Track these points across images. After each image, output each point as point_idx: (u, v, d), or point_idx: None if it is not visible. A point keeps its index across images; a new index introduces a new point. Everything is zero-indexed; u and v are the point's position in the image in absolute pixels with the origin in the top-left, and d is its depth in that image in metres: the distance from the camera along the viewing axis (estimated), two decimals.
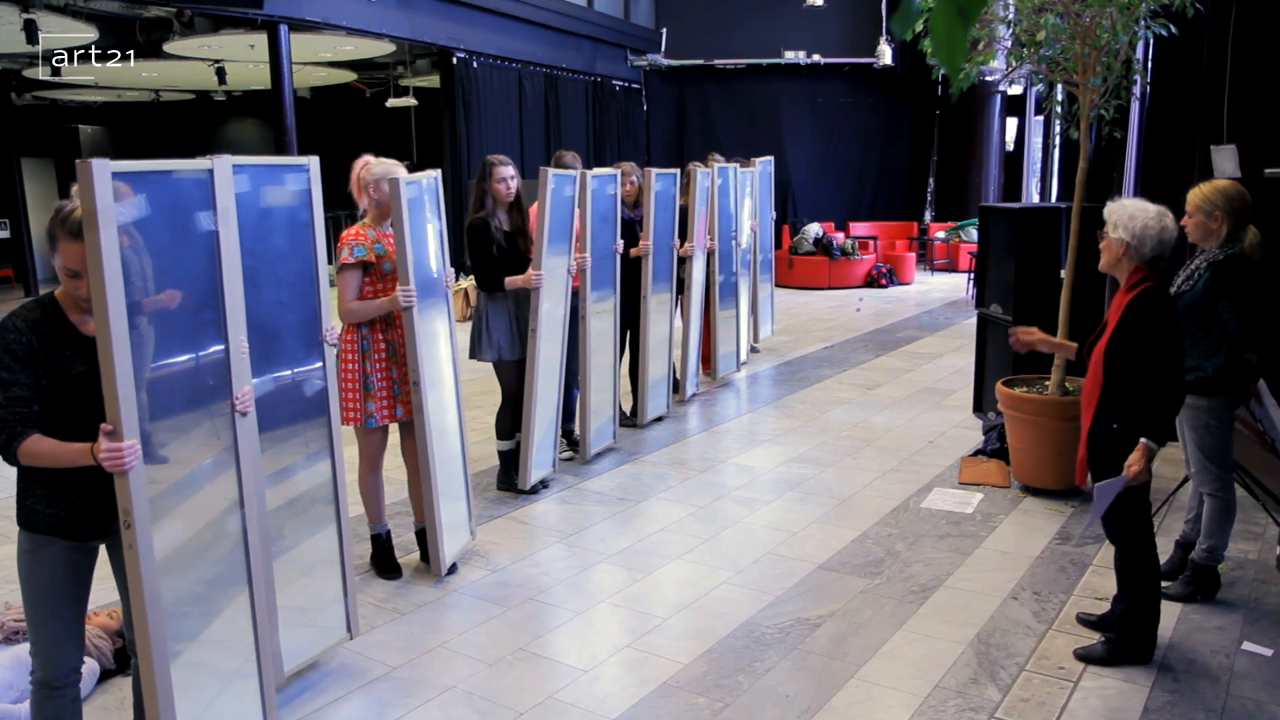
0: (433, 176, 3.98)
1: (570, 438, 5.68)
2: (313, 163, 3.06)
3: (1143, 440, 3.04)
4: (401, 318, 3.76)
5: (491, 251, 4.73)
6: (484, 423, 6.14)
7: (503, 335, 4.84)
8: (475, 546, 4.31)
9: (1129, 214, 3.14)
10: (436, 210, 4.00)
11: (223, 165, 2.51)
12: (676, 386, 6.98)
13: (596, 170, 5.44)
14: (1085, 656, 3.27)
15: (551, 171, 4.76)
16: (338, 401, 3.31)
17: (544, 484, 5.12)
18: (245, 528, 2.65)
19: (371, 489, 3.99)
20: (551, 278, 4.86)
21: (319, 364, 3.16)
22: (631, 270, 5.94)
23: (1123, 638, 3.25)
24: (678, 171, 6.38)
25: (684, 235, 6.65)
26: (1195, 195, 3.58)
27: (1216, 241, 3.54)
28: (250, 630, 2.70)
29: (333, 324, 3.20)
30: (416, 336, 3.72)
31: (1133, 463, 3.05)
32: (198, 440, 2.51)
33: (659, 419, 6.45)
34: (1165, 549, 3.88)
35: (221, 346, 2.54)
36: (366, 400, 3.80)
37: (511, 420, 5.00)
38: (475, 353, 4.88)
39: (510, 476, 5.03)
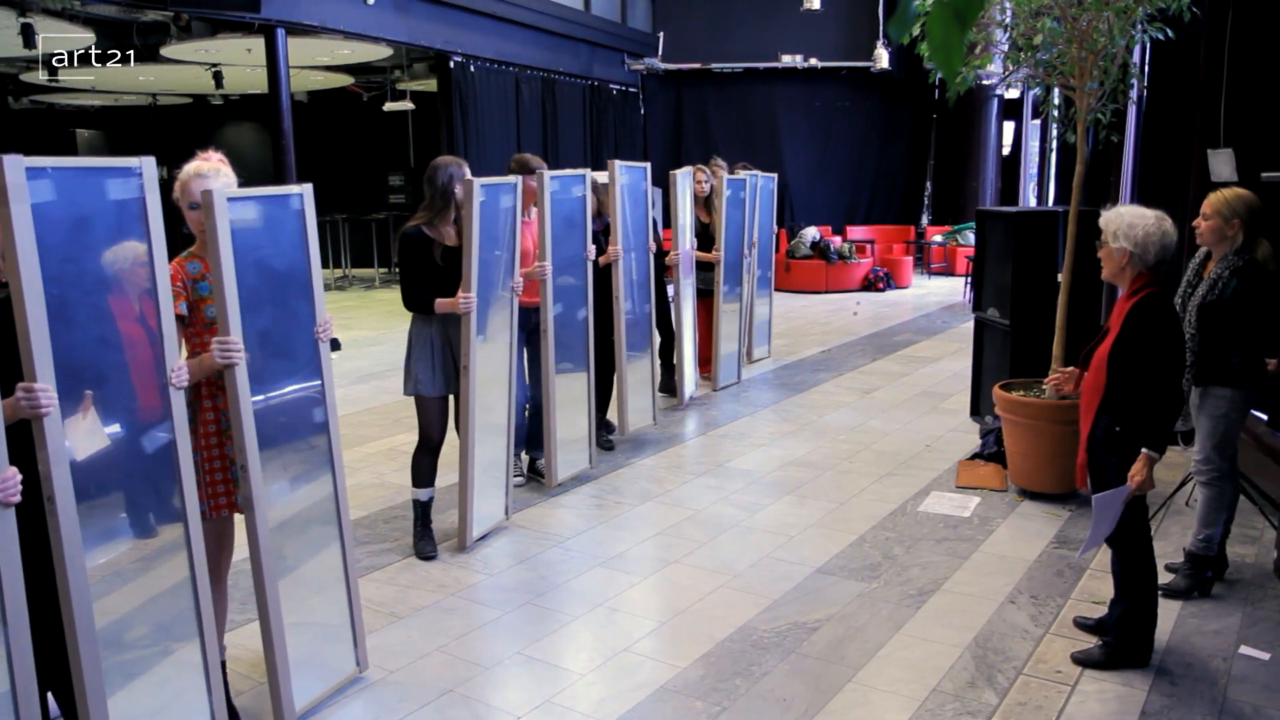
0: (298, 193, 2.99)
1: (535, 468, 5.27)
2: (147, 164, 2.46)
3: (1144, 451, 3.06)
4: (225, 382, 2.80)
5: (423, 267, 4.07)
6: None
7: (422, 366, 4.15)
8: (473, 548, 4.30)
9: (1128, 223, 3.13)
10: (303, 239, 3.01)
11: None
12: (673, 391, 6.97)
13: (558, 171, 4.95)
14: (1083, 660, 3.27)
15: (478, 182, 4.00)
16: (191, 464, 2.62)
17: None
18: (9, 652, 2.10)
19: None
20: (487, 306, 4.21)
21: (164, 415, 2.54)
22: (605, 277, 5.55)
23: (1120, 641, 3.25)
24: (648, 165, 6.09)
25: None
26: (1216, 200, 3.59)
27: (1230, 248, 3.57)
28: None
29: (180, 363, 2.59)
30: (242, 407, 2.78)
31: (1136, 473, 3.07)
32: None
33: (653, 423, 6.43)
34: (1163, 552, 3.88)
35: None
36: None
37: (428, 467, 4.29)
38: (404, 386, 4.27)
39: (425, 535, 4.28)
